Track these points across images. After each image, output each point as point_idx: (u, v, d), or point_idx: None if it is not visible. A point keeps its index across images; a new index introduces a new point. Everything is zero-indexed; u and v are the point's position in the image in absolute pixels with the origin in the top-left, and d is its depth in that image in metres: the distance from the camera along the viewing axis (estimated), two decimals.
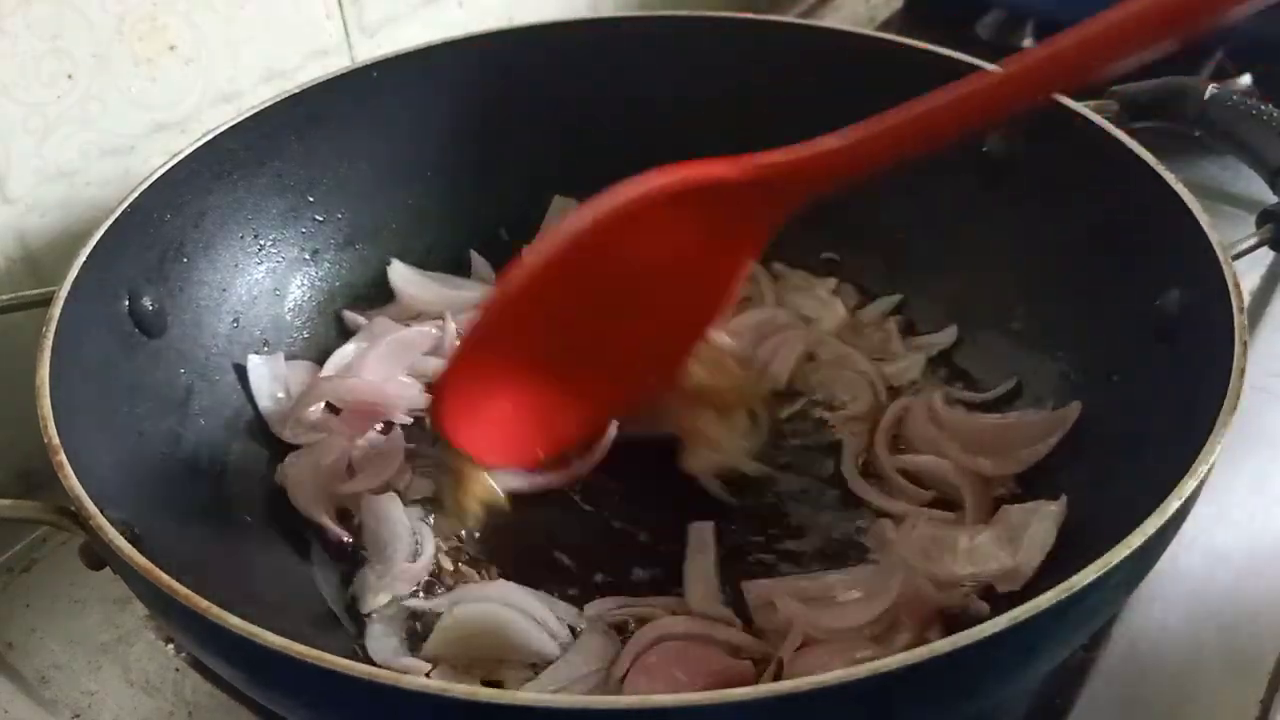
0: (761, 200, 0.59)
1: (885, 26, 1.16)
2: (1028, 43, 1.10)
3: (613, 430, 0.72)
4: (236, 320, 0.77)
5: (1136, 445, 0.60)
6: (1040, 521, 0.61)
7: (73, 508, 0.51)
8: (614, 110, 0.85)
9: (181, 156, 0.71)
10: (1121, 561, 0.44)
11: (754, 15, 0.84)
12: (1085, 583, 0.43)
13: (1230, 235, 0.61)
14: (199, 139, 0.73)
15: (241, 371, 0.75)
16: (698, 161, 0.59)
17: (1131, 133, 0.68)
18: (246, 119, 0.75)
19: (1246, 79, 1.03)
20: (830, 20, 1.28)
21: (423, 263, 0.86)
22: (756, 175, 0.58)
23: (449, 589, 0.65)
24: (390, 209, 0.85)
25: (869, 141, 0.56)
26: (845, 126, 0.56)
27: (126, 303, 0.67)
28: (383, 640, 0.63)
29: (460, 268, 0.87)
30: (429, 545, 0.68)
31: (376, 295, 0.84)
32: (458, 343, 0.73)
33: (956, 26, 1.14)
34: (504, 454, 0.67)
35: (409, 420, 0.76)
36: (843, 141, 0.56)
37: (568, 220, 0.61)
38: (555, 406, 0.66)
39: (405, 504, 0.70)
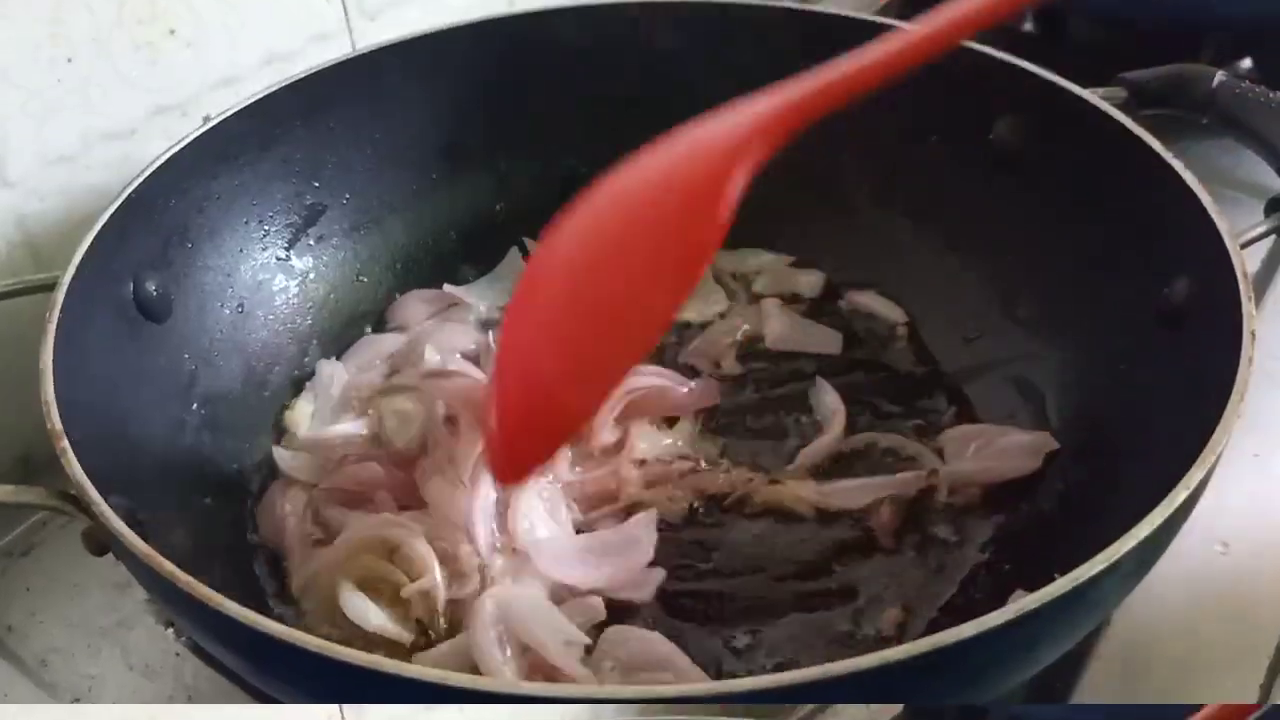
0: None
1: (885, 11, 1.15)
2: (1027, 27, 1.09)
3: None
4: (241, 305, 0.76)
5: (1143, 434, 0.60)
6: None
7: (75, 493, 0.51)
8: (614, 94, 0.84)
9: (186, 142, 0.71)
10: (1129, 552, 0.44)
11: (756, 1, 0.83)
12: (1092, 573, 0.43)
13: (1239, 223, 0.60)
14: (203, 125, 0.73)
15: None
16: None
17: (1139, 120, 0.67)
18: (251, 104, 0.75)
19: (1247, 62, 1.03)
20: (831, 5, 1.27)
21: (427, 248, 0.86)
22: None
23: None
24: (394, 193, 0.85)
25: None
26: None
27: (131, 288, 0.66)
28: None
29: (463, 254, 0.87)
30: None
31: (378, 281, 0.85)
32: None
33: None
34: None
35: None
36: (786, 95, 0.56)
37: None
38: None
39: None
